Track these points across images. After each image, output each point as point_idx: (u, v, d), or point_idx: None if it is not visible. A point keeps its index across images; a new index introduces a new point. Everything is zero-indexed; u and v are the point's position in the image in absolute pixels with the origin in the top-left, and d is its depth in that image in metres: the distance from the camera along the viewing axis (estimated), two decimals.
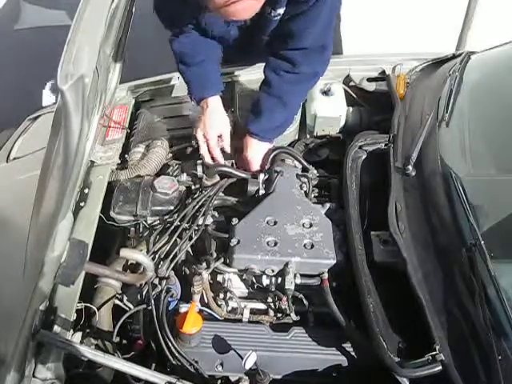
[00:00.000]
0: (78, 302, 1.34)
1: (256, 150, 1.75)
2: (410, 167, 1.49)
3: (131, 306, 1.42)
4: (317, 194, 1.69)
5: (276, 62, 1.66)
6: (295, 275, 1.39)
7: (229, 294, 1.44)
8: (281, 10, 1.52)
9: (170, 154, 1.87)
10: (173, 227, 1.54)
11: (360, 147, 1.69)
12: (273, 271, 1.41)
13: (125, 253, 1.31)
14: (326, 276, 1.40)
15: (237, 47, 1.79)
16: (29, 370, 1.17)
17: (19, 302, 1.14)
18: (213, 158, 1.75)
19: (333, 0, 1.53)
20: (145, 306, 1.38)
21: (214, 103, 1.75)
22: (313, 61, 1.64)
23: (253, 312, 1.44)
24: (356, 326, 1.30)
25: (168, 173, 1.77)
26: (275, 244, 1.43)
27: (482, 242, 1.21)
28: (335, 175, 1.71)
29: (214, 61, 1.77)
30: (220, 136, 1.75)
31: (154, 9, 1.63)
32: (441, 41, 2.79)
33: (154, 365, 1.31)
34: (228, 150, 1.77)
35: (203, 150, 1.74)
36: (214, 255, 1.47)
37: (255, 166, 1.75)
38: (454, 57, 1.97)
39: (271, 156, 1.73)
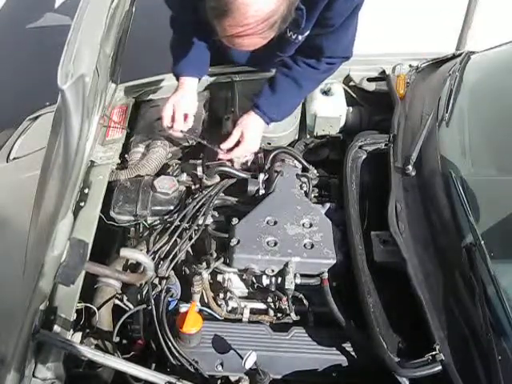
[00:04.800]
0: (78, 302, 1.34)
1: (253, 128, 1.69)
2: (410, 167, 1.49)
3: (131, 306, 1.42)
4: (317, 194, 1.69)
5: (300, 58, 1.65)
6: (295, 275, 1.39)
7: (229, 294, 1.44)
8: (306, 33, 1.50)
9: (170, 154, 1.86)
10: (173, 227, 1.54)
11: (360, 147, 1.69)
12: (273, 271, 1.41)
13: (125, 252, 1.31)
14: (325, 276, 1.40)
15: (248, 58, 1.77)
16: (29, 369, 1.17)
17: (19, 302, 1.14)
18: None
19: (358, 13, 1.51)
20: (145, 305, 1.38)
21: (189, 84, 1.72)
22: (335, 63, 1.66)
23: (253, 312, 1.44)
24: (356, 326, 1.30)
25: (168, 173, 1.77)
26: (275, 244, 1.43)
27: (482, 242, 1.21)
28: (335, 175, 1.71)
29: (206, 47, 1.72)
30: (186, 115, 1.72)
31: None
32: (441, 41, 2.78)
33: (154, 365, 1.31)
34: (189, 126, 1.72)
35: (165, 123, 1.71)
36: (214, 255, 1.47)
37: (248, 144, 1.68)
38: (453, 57, 1.97)
39: (271, 156, 1.72)
